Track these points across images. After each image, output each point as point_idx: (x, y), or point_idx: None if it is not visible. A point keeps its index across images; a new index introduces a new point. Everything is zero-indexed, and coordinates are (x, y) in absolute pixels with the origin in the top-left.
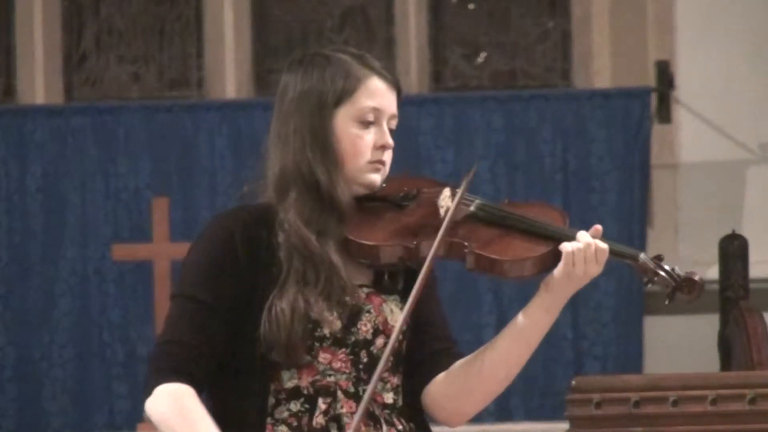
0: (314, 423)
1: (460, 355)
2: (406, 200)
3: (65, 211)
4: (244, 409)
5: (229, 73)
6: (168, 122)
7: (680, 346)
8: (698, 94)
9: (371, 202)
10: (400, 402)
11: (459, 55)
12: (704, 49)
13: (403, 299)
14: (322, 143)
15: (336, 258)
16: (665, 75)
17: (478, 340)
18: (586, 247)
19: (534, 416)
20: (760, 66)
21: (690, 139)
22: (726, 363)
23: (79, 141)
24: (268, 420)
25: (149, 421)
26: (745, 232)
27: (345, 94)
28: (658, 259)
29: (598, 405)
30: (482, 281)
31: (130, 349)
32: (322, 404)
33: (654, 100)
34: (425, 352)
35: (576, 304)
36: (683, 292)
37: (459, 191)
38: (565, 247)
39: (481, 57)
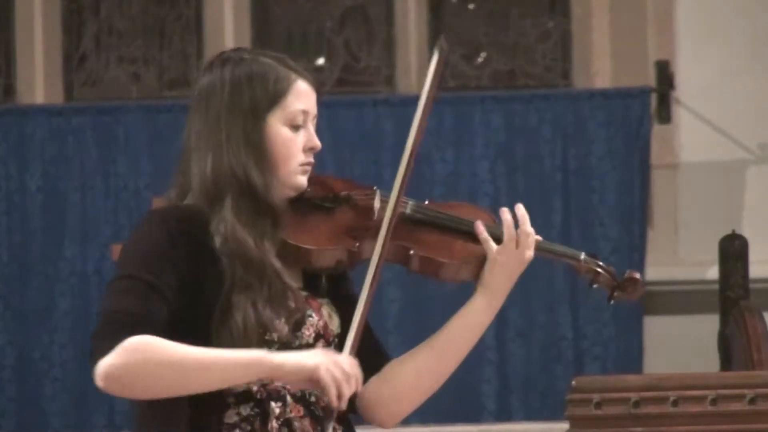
0: (269, 427)
1: (390, 358)
2: (335, 202)
3: (65, 211)
4: (196, 414)
5: None
6: (168, 122)
7: (680, 346)
8: (698, 94)
9: (301, 205)
10: None
11: (459, 55)
12: (704, 49)
13: (333, 303)
14: (257, 148)
15: (276, 262)
16: (665, 75)
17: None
18: (507, 226)
19: (534, 416)
20: (760, 66)
21: (690, 139)
22: (726, 363)
23: (79, 141)
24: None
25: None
26: (745, 232)
27: (277, 97)
28: (594, 257)
29: (598, 405)
30: None
31: None
32: (275, 408)
33: (654, 100)
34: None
35: (576, 304)
36: (624, 292)
37: (396, 191)
38: (483, 229)
39: (481, 57)
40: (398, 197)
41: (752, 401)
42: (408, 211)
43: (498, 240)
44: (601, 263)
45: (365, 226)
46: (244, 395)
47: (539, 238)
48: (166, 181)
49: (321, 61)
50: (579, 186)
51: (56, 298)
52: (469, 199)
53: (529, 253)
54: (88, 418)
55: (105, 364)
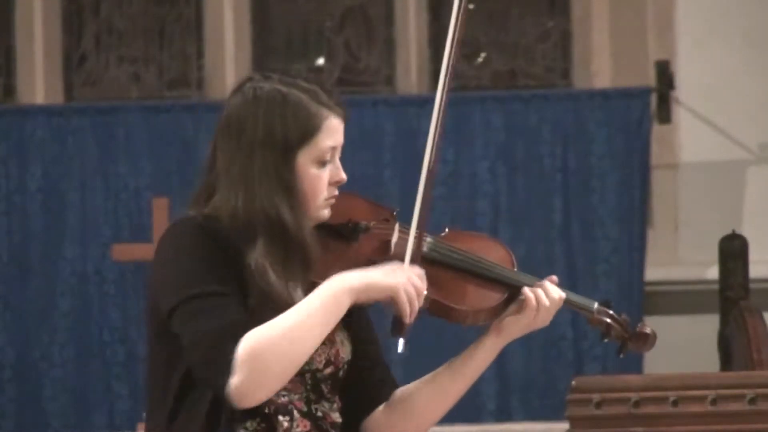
0: None
1: (397, 386)
2: (355, 233)
3: (65, 211)
4: (205, 429)
5: (229, 73)
6: (168, 122)
7: (680, 346)
8: (698, 94)
9: (320, 233)
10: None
11: (459, 55)
12: (704, 49)
13: (348, 329)
14: (289, 186)
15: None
16: (665, 75)
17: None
18: (548, 297)
19: (534, 416)
20: (760, 66)
21: (690, 139)
22: (726, 363)
23: (79, 141)
24: None
25: (254, 384)
26: (745, 232)
27: (308, 136)
28: (607, 306)
29: (598, 405)
30: None
31: (130, 349)
32: (283, 422)
33: (654, 100)
34: (366, 383)
35: None
36: (635, 345)
37: (412, 229)
38: (529, 296)
39: (481, 57)
40: (419, 244)
41: (752, 401)
42: (425, 249)
43: (517, 287)
44: (612, 314)
45: (382, 260)
46: (251, 410)
47: (554, 278)
48: (166, 181)
49: (321, 61)
50: (579, 186)
51: (56, 298)
52: (469, 199)
53: (548, 319)
54: (88, 418)
55: (236, 384)
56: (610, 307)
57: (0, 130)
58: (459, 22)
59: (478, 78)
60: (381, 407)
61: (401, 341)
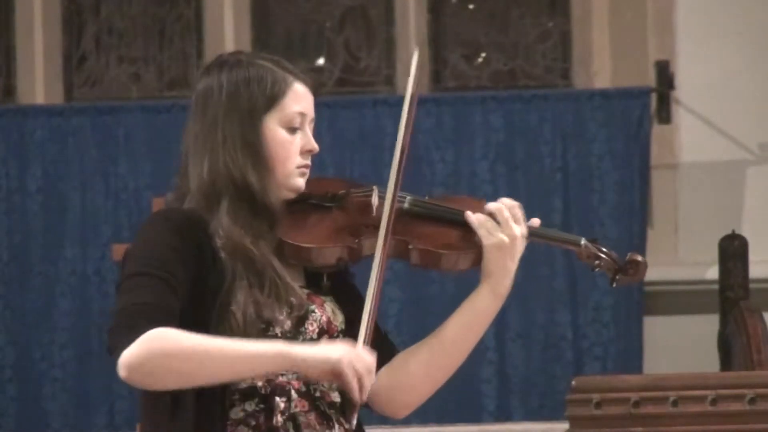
0: (274, 422)
1: (397, 350)
2: (333, 201)
3: (65, 211)
4: (201, 412)
5: None
6: (168, 122)
7: (680, 346)
8: (698, 94)
9: (298, 205)
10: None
11: (459, 55)
12: (704, 49)
13: (337, 300)
14: (254, 149)
15: (276, 261)
16: (665, 75)
17: None
18: (495, 210)
19: (534, 416)
20: (760, 66)
21: (690, 139)
22: (726, 363)
23: (79, 141)
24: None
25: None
26: (745, 232)
27: (274, 99)
28: (595, 242)
29: (598, 405)
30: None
31: None
32: (280, 403)
33: (654, 100)
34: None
35: (576, 304)
36: (626, 275)
37: (391, 186)
38: (474, 217)
39: (481, 57)
40: (395, 191)
41: (752, 401)
42: (406, 205)
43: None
44: (603, 248)
45: (364, 222)
46: (248, 391)
47: (536, 221)
48: (166, 181)
49: (321, 61)
50: (579, 186)
51: (56, 298)
52: None
53: (519, 229)
54: (88, 418)
55: (127, 354)
56: (598, 243)
57: (0, 130)
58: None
59: (478, 78)
60: (383, 372)
61: (353, 418)
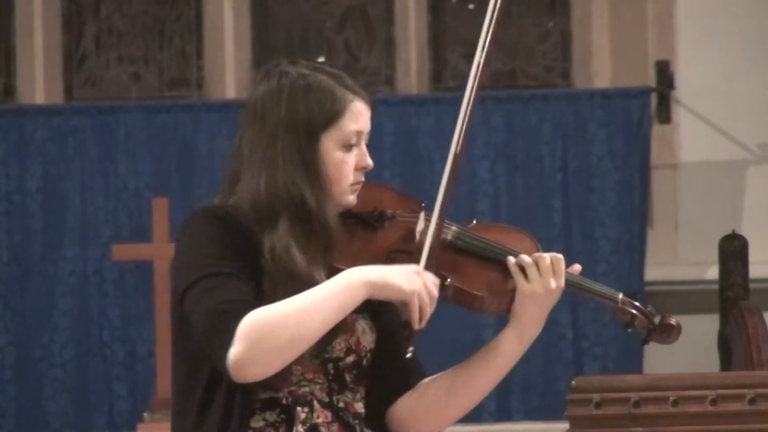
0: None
1: (425, 375)
2: (381, 221)
3: (65, 211)
4: (222, 421)
5: (229, 73)
6: (168, 122)
7: (680, 346)
8: (698, 94)
9: (346, 218)
10: (364, 413)
11: (459, 55)
12: (704, 49)
13: (372, 317)
14: (312, 168)
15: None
16: (665, 75)
17: (478, 340)
18: (538, 259)
19: (534, 416)
20: (760, 66)
21: (690, 139)
22: (726, 363)
23: (79, 141)
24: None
25: (251, 364)
26: (745, 232)
27: (332, 118)
28: (633, 298)
29: (598, 405)
30: None
31: (130, 349)
32: (301, 413)
33: (654, 100)
34: (391, 371)
35: (576, 304)
36: (660, 336)
37: (434, 217)
38: (514, 262)
39: None
40: (439, 229)
41: (752, 401)
42: (449, 237)
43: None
44: (638, 305)
45: (407, 249)
46: (270, 401)
47: (578, 267)
48: (166, 181)
49: (321, 61)
50: (579, 186)
51: (56, 298)
52: (469, 198)
53: (555, 283)
54: (88, 418)
55: (233, 355)
56: (635, 299)
57: (0, 130)
58: (495, 17)
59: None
60: (406, 397)
61: (410, 347)
